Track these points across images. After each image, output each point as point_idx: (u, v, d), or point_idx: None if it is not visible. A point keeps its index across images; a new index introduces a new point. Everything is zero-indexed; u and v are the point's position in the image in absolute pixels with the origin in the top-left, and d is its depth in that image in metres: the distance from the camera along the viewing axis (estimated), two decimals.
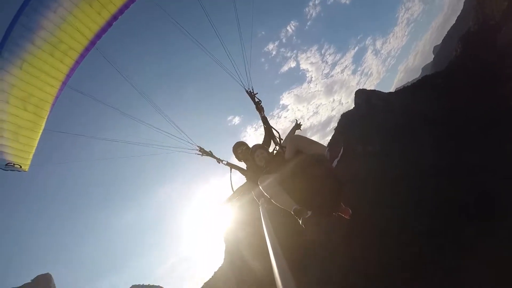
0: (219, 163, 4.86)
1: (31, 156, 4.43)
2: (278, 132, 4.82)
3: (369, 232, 18.31)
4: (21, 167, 4.26)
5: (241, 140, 5.00)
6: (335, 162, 3.35)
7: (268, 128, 4.79)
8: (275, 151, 4.58)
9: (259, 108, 4.88)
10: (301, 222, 3.12)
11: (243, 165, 4.91)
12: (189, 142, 4.98)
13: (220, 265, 37.73)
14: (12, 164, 4.11)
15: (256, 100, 4.90)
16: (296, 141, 3.77)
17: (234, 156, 4.95)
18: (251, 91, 4.95)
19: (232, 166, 4.77)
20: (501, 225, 15.89)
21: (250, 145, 4.82)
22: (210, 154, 4.95)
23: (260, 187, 3.53)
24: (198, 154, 4.99)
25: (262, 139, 4.84)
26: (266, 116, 4.88)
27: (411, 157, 23.14)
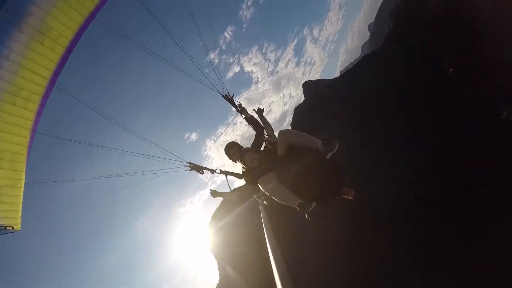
0: (213, 173, 4.74)
1: (20, 214, 4.18)
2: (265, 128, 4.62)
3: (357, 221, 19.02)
4: (13, 227, 4.02)
5: (234, 141, 4.78)
6: (329, 155, 3.37)
7: (256, 127, 4.62)
8: (265, 148, 4.48)
9: (242, 109, 4.74)
10: (307, 215, 3.14)
11: (237, 168, 4.74)
12: (177, 160, 4.81)
13: (217, 282, 37.06)
14: (3, 227, 3.86)
15: (237, 103, 4.73)
16: (287, 136, 3.73)
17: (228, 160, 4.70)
18: (227, 94, 4.78)
19: (226, 173, 4.67)
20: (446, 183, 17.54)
21: (242, 144, 4.77)
22: (201, 167, 4.83)
23: (261, 188, 3.49)
24: (189, 169, 4.81)
25: (252, 142, 4.70)
26: (250, 114, 4.72)
27: (362, 139, 24.24)
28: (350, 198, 4.02)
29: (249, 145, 4.60)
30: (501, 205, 15.24)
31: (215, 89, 4.63)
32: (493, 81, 19.01)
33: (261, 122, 4.79)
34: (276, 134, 4.35)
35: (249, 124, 4.66)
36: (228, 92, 4.75)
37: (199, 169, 4.82)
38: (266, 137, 4.48)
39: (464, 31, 21.80)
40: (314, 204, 3.19)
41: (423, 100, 22.60)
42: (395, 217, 18.40)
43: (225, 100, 4.87)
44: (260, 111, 4.74)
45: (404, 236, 17.28)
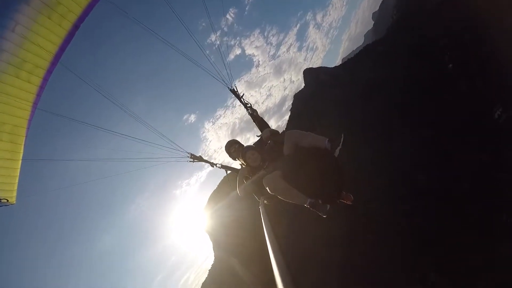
0: (213, 166, 4.75)
1: (15, 187, 4.18)
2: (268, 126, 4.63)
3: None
4: (8, 200, 4.02)
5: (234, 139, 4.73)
6: (337, 151, 3.34)
7: (261, 125, 4.60)
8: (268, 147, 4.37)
9: (252, 111, 4.69)
10: (323, 214, 3.17)
11: (236, 164, 4.69)
12: (179, 150, 4.82)
13: (213, 263, 37.75)
14: None
15: (245, 102, 4.68)
16: (294, 136, 3.69)
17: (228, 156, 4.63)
18: (235, 90, 4.72)
19: (227, 168, 4.67)
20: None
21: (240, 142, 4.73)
22: (203, 159, 4.83)
23: (266, 187, 3.46)
24: (190, 161, 4.83)
25: (255, 141, 4.60)
26: (255, 113, 4.67)
27: (360, 127, 24.47)
28: (348, 203, 4.05)
29: (247, 130, 4.53)
30: (488, 200, 15.70)
31: (223, 83, 4.55)
32: (489, 79, 19.25)
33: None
34: (271, 123, 4.31)
35: (254, 121, 4.62)
36: (236, 88, 4.68)
37: (200, 160, 4.80)
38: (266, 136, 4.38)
39: (465, 29, 21.88)
40: (327, 205, 3.20)
41: (421, 92, 22.84)
42: (388, 206, 18.76)
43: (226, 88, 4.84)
44: (253, 111, 4.71)
45: (396, 224, 17.66)
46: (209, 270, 38.59)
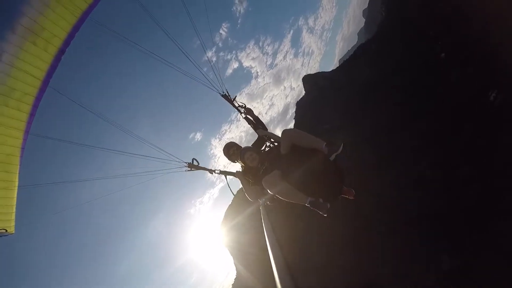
0: (212, 173, 4.66)
1: (13, 217, 4.13)
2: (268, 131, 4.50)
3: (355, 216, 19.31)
4: (6, 230, 3.97)
5: (232, 141, 4.69)
6: (333, 156, 3.33)
7: (256, 127, 4.51)
8: (267, 148, 4.39)
9: (247, 110, 4.58)
10: (323, 213, 3.17)
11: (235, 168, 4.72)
12: (176, 161, 4.71)
13: (234, 278, 37.26)
14: None
15: (237, 105, 4.55)
16: (291, 136, 3.65)
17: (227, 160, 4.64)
18: (227, 94, 4.63)
19: (226, 173, 4.58)
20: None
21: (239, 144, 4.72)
22: (200, 167, 4.75)
23: (265, 187, 3.43)
24: (188, 170, 4.73)
25: (253, 143, 4.56)
26: (252, 116, 4.56)
27: (362, 127, 24.80)
28: (350, 197, 4.06)
29: (252, 143, 4.54)
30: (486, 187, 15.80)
31: (214, 89, 4.52)
32: (483, 63, 19.51)
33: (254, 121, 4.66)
34: (277, 132, 4.33)
35: (249, 124, 4.55)
36: (227, 92, 4.60)
37: (198, 169, 4.72)
38: (266, 137, 4.36)
39: (452, 15, 22.25)
40: (328, 204, 3.19)
41: (416, 85, 23.15)
42: (394, 198, 18.85)
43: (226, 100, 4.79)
44: (249, 111, 4.62)
45: (401, 214, 17.65)
46: (232, 285, 38.04)
